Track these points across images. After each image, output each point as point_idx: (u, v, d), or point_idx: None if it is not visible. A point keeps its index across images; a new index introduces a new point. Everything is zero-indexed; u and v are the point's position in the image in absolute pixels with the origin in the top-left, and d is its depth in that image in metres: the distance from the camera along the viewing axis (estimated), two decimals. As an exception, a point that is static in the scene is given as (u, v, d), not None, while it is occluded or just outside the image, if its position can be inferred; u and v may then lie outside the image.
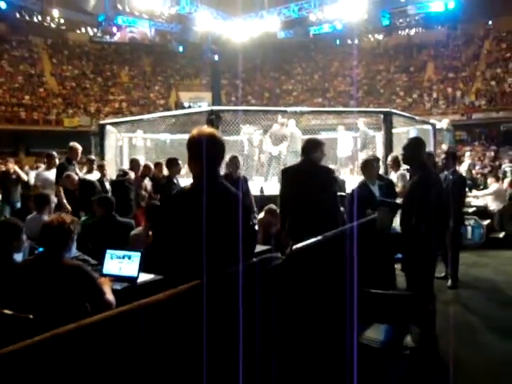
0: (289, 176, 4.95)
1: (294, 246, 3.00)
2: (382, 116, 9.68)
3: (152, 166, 9.21)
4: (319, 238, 3.22)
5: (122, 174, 8.82)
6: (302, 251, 2.98)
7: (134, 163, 9.35)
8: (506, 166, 14.95)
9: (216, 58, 37.65)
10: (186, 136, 3.00)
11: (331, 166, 12.38)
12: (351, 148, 12.82)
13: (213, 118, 9.07)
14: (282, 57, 47.89)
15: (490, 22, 44.07)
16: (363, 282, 3.79)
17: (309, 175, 4.75)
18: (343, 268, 3.60)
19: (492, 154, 27.53)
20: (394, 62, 45.91)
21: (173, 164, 8.14)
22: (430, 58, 44.52)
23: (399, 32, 49.32)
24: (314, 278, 3.04)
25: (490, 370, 4.05)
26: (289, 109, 9.13)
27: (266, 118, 11.21)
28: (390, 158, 8.21)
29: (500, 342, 4.82)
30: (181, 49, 39.48)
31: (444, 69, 42.16)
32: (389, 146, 9.93)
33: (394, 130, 10.77)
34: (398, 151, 8.94)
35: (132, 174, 8.71)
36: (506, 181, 11.59)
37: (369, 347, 3.54)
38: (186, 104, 40.68)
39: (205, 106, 32.44)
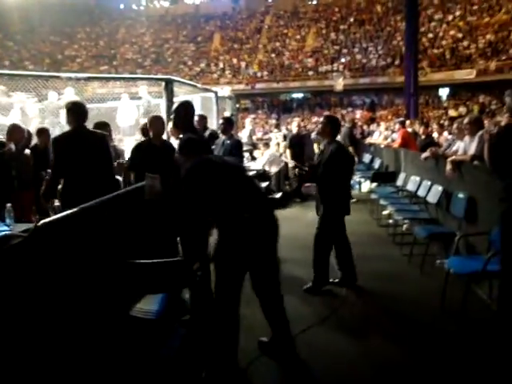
0: (61, 144, 4.48)
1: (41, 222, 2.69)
2: (163, 83, 9.47)
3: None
4: (75, 209, 2.95)
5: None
6: (52, 224, 2.68)
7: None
8: (272, 134, 15.97)
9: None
10: None
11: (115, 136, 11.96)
12: (135, 117, 12.42)
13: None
14: (64, 19, 44.35)
15: (270, 0, 47.07)
16: (136, 252, 3.63)
17: (81, 142, 4.40)
18: (109, 240, 3.40)
19: (274, 121, 29.67)
20: (182, 32, 46.09)
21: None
22: (216, 28, 45.73)
23: (186, 1, 49.56)
24: (70, 253, 2.77)
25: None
26: (62, 74, 8.30)
27: (44, 85, 10.14)
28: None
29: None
30: None
31: (230, 40, 43.78)
32: (170, 114, 9.81)
33: (177, 98, 10.67)
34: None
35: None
36: (282, 145, 12.61)
37: (144, 320, 3.42)
38: None
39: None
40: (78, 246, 2.93)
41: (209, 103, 12.21)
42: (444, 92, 33.96)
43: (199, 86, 12.72)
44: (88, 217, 3.12)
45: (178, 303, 4.12)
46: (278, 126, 19.85)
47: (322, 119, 5.39)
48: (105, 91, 13.02)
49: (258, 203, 3.51)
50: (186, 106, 4.81)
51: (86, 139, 4.58)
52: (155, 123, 5.00)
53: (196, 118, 7.88)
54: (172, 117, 4.70)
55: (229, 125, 7.07)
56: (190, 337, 3.79)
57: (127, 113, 12.35)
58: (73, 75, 8.73)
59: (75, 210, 2.96)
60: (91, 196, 3.44)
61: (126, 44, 44.92)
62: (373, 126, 17.72)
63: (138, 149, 4.97)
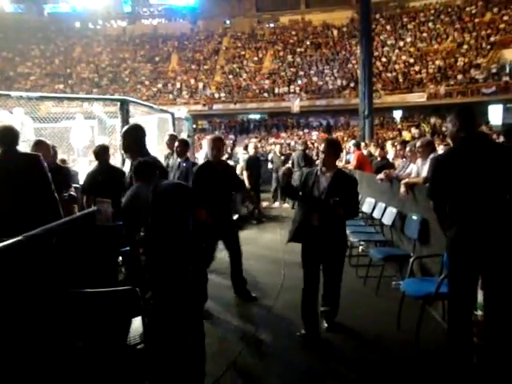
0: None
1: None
2: (118, 104, 9.32)
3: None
4: (19, 238, 2.80)
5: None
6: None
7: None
8: (238, 153, 16.07)
9: None
10: None
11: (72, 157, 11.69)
12: (89, 137, 12.18)
13: None
14: (17, 35, 43.42)
15: (228, 22, 47.64)
16: (82, 281, 3.50)
17: (9, 164, 4.10)
18: (53, 269, 3.25)
19: (231, 142, 29.73)
20: (140, 51, 45.90)
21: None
22: (174, 49, 45.79)
23: (143, 21, 49.56)
24: (11, 283, 2.62)
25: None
26: (12, 93, 8.06)
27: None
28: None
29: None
30: None
31: (187, 61, 43.88)
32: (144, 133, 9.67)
33: (133, 119, 10.53)
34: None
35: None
36: (238, 167, 12.62)
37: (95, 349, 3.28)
38: None
39: None
40: (18, 276, 2.79)
41: (166, 124, 12.10)
42: (398, 114, 34.94)
43: (155, 106, 12.61)
44: (30, 246, 2.98)
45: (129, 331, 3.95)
46: (233, 147, 19.88)
47: (322, 146, 4.62)
48: (60, 110, 12.71)
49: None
50: (136, 129, 4.68)
51: (14, 162, 4.27)
52: (217, 143, 5.38)
53: (166, 137, 7.90)
54: (121, 140, 4.59)
55: (184, 147, 6.99)
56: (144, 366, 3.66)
57: (81, 133, 12.10)
58: (24, 94, 8.50)
59: (19, 238, 2.82)
60: (22, 221, 3.29)
61: (82, 63, 44.33)
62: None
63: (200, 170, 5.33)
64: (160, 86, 41.00)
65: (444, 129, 29.97)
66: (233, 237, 5.64)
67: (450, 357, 3.56)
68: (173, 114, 12.82)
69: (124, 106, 9.79)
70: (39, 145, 5.37)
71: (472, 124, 3.53)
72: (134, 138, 4.46)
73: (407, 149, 6.49)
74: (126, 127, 4.85)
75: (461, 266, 3.44)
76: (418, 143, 5.89)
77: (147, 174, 3.70)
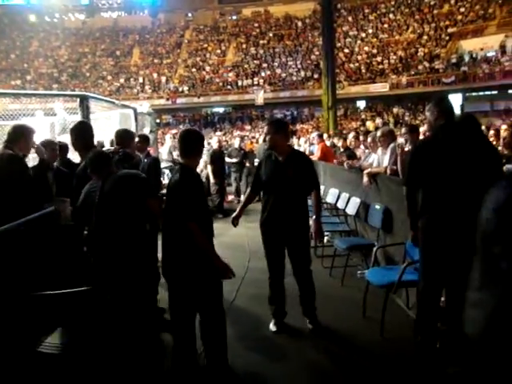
0: None
1: None
2: (78, 100, 9.11)
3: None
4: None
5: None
6: None
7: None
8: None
9: None
10: None
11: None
12: (49, 135, 11.87)
13: None
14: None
15: (190, 15, 47.16)
16: (42, 282, 3.40)
17: None
18: (14, 272, 3.15)
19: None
20: (100, 46, 45.01)
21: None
22: (135, 43, 45.09)
23: (103, 14, 48.59)
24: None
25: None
26: (-34, 90, 7.78)
27: None
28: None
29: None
30: None
31: (149, 55, 43.29)
32: (91, 131, 9.47)
33: (94, 115, 10.30)
34: (99, 136, 8.63)
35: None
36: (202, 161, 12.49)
37: (52, 355, 3.18)
38: None
39: None
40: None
41: (128, 120, 11.90)
42: (361, 104, 35.36)
43: (117, 102, 12.37)
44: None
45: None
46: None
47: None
48: (18, 107, 12.32)
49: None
50: (82, 126, 4.61)
51: None
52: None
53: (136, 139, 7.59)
54: (70, 137, 4.49)
55: (145, 142, 6.88)
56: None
57: (42, 131, 11.79)
58: (-22, 91, 8.24)
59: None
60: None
61: (39, 57, 43.17)
62: (293, 140, 17.99)
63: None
64: (122, 80, 40.36)
65: (407, 118, 30.52)
66: None
67: (416, 342, 3.62)
68: (135, 110, 12.61)
69: (84, 102, 9.59)
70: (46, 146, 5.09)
71: (450, 112, 3.61)
72: (78, 135, 4.35)
73: (369, 139, 6.55)
74: (73, 124, 4.75)
75: (432, 254, 3.48)
76: (379, 133, 5.95)
77: (100, 167, 3.61)
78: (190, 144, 3.38)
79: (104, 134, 10.50)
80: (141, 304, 3.57)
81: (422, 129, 7.24)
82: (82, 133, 4.42)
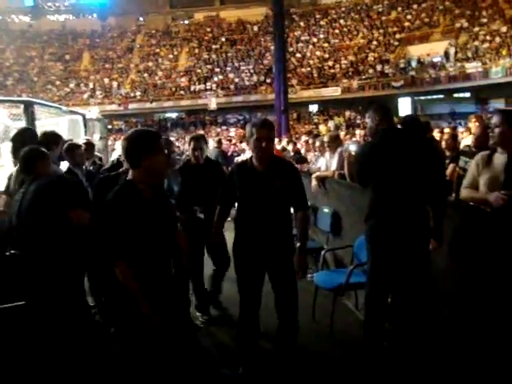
0: None
1: None
2: (22, 106, 8.82)
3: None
4: None
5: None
6: None
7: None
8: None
9: None
10: None
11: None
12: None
13: None
14: None
15: (141, 19, 46.57)
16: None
17: None
18: None
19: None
20: (48, 49, 43.80)
21: None
22: (85, 47, 44.14)
23: (50, 17, 47.34)
24: None
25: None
26: None
27: None
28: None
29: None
30: None
31: (100, 59, 42.48)
32: (35, 138, 9.18)
33: (40, 122, 9.99)
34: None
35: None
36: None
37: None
38: None
39: None
40: None
41: (77, 127, 11.61)
42: (314, 108, 35.82)
43: (64, 108, 12.06)
44: None
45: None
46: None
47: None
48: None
49: None
50: (27, 134, 4.50)
51: None
52: None
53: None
54: (11, 145, 4.37)
55: (90, 148, 6.76)
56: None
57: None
58: None
59: None
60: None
61: (-18, 61, 41.59)
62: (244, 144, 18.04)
63: None
64: (72, 85, 39.41)
65: (358, 121, 31.12)
66: None
67: (364, 343, 3.66)
68: (84, 116, 12.33)
69: (29, 108, 9.29)
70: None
71: (391, 118, 3.70)
72: (19, 143, 4.20)
73: (317, 143, 6.63)
74: (15, 132, 4.63)
75: (378, 256, 3.53)
76: (326, 138, 6.04)
77: (27, 167, 3.42)
78: (134, 151, 2.65)
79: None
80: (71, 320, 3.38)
81: (359, 132, 7.38)
82: (25, 140, 4.26)
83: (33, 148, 3.58)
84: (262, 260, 3.55)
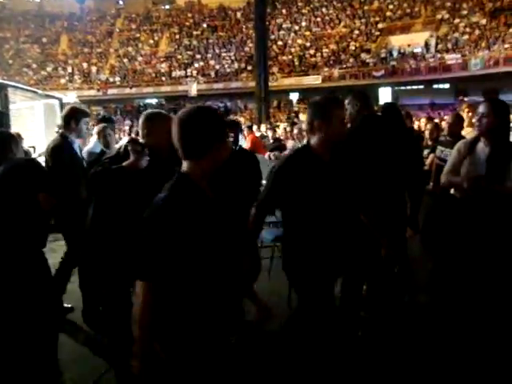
0: None
1: None
2: (-4, 89, 8.62)
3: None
4: None
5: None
6: None
7: None
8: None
9: None
10: None
11: None
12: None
13: None
14: None
15: (121, 2, 45.76)
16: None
17: None
18: None
19: (127, 128, 28.79)
20: (24, 31, 42.84)
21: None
22: (63, 30, 43.29)
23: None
24: None
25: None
26: None
27: None
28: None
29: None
30: None
31: (78, 43, 41.72)
32: (7, 123, 8.97)
33: (15, 105, 9.79)
34: (18, 127, 8.25)
35: None
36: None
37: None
38: None
39: None
40: None
41: (53, 111, 11.39)
42: (294, 96, 35.74)
43: (40, 92, 11.83)
44: None
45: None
46: (130, 133, 19.13)
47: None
48: None
49: None
50: None
51: None
52: None
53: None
54: None
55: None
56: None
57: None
58: None
59: None
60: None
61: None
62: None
63: None
64: (50, 69, 38.69)
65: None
66: None
67: (339, 331, 3.66)
68: (61, 100, 12.10)
69: (2, 91, 9.07)
70: None
71: (371, 105, 3.77)
72: None
73: (295, 130, 6.59)
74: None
75: None
76: (304, 125, 6.00)
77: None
78: (195, 136, 1.97)
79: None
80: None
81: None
82: None
83: (2, 131, 3.53)
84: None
